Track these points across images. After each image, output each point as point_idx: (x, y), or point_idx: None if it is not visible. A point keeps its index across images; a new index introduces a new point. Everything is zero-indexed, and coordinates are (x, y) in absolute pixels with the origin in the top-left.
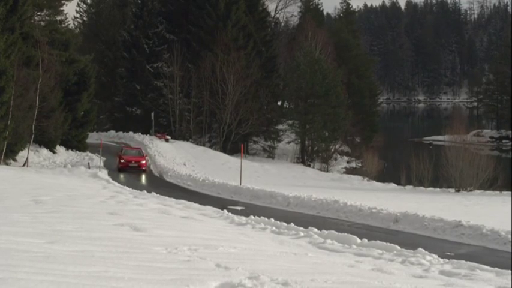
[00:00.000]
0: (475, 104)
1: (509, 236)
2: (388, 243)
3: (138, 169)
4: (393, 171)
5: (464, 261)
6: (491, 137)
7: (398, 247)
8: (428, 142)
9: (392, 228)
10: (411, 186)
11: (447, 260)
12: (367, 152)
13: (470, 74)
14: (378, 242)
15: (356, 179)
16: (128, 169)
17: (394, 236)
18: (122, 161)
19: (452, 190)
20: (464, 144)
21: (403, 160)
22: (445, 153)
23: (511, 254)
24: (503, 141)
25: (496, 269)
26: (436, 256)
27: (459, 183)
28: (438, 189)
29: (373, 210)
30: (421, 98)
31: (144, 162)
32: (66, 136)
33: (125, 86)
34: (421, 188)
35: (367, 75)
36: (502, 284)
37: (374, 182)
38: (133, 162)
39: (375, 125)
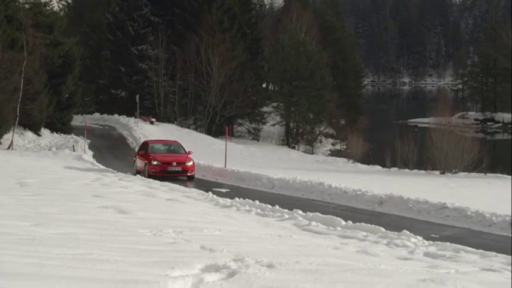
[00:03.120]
0: (460, 86)
1: (494, 218)
2: (373, 225)
3: (183, 175)
4: (378, 154)
5: (449, 243)
6: (476, 119)
7: (383, 229)
8: (413, 124)
9: (377, 210)
10: (396, 169)
11: (432, 242)
12: (352, 134)
13: (455, 56)
14: (363, 224)
15: (341, 161)
16: (167, 176)
17: (378, 218)
18: (155, 163)
19: (437, 172)
20: (449, 126)
21: (388, 142)
22: (430, 136)
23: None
24: (488, 123)
25: (481, 250)
26: (420, 238)
27: (444, 166)
28: (423, 172)
29: (358, 193)
30: (406, 80)
31: (190, 164)
32: (51, 119)
33: (110, 68)
34: (406, 170)
35: (352, 58)
36: (487, 266)
37: (359, 164)
38: (174, 164)
39: (359, 107)
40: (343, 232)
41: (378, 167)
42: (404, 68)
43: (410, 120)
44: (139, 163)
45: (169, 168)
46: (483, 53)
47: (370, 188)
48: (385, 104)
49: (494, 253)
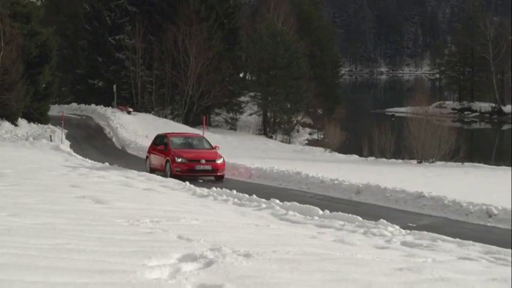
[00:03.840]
0: (437, 75)
1: (471, 207)
2: (350, 215)
3: (213, 175)
4: (355, 143)
5: (426, 232)
6: (453, 109)
7: (360, 218)
8: (390, 114)
9: (354, 199)
10: (373, 158)
11: (409, 231)
12: (329, 124)
13: (432, 45)
14: (340, 213)
15: (318, 150)
16: (195, 176)
17: (355, 207)
18: (180, 160)
19: (414, 162)
20: (426, 115)
21: (365, 132)
22: (407, 125)
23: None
24: (465, 112)
25: (458, 239)
26: (397, 227)
27: (421, 155)
28: (400, 161)
29: (335, 182)
30: (383, 69)
31: (221, 162)
32: (28, 109)
33: (87, 58)
34: (383, 159)
35: (329, 47)
36: (464, 255)
37: (336, 153)
38: (202, 162)
39: (337, 97)
40: (320, 221)
41: (355, 157)
42: (382, 57)
43: (387, 110)
44: (156, 160)
45: (197, 167)
46: (460, 43)
47: (347, 178)
48: (362, 93)
49: (471, 242)
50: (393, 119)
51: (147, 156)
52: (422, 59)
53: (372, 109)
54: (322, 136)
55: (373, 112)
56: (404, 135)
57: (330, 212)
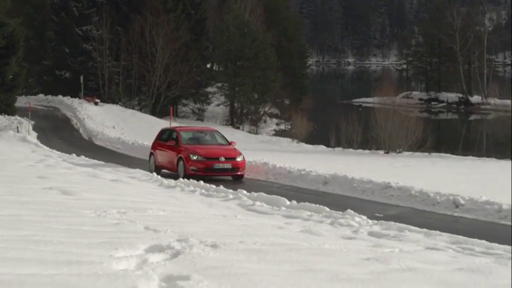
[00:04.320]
0: (405, 66)
1: (438, 197)
2: (318, 205)
3: (233, 174)
4: (322, 133)
5: (393, 223)
6: (421, 99)
7: (327, 209)
8: (357, 104)
9: (322, 190)
10: (340, 148)
11: (376, 221)
12: (297, 114)
13: (399, 36)
14: (307, 203)
15: (285, 141)
16: (213, 175)
17: (323, 198)
18: (195, 158)
19: (382, 152)
20: (394, 106)
21: (332, 122)
22: (374, 115)
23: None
24: (432, 103)
25: (425, 230)
26: (365, 217)
27: (388, 145)
28: (367, 151)
29: (302, 172)
30: (351, 60)
31: (241, 159)
32: None
33: (54, 49)
34: (350, 150)
35: (296, 38)
36: (431, 245)
37: (303, 144)
38: (221, 160)
39: (304, 88)
40: (287, 212)
41: (323, 147)
42: (349, 48)
43: (354, 100)
44: (164, 157)
45: (216, 165)
46: (427, 33)
47: (314, 168)
48: (329, 84)
49: (438, 232)
50: (360, 109)
51: (151, 153)
52: (389, 50)
53: (339, 100)
54: (289, 127)
55: (340, 103)
56: (371, 126)
57: (297, 202)
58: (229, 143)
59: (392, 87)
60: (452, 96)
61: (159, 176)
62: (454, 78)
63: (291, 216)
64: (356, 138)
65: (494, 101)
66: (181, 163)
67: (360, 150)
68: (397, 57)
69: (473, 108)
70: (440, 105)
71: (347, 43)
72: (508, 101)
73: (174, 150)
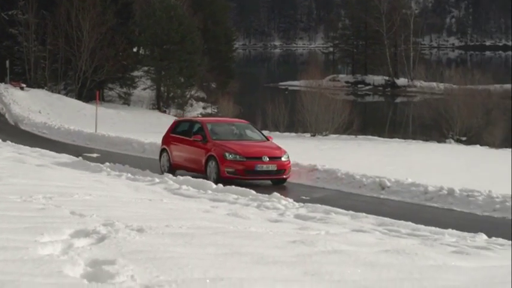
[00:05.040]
0: (331, 49)
1: (364, 180)
2: (244, 188)
3: (278, 178)
4: (249, 117)
5: (319, 205)
6: (347, 82)
7: (253, 192)
8: (284, 87)
9: None
10: (267, 131)
11: (302, 204)
12: (223, 98)
13: (326, 19)
14: (233, 187)
15: None
16: (254, 180)
17: (248, 181)
18: (231, 157)
19: (308, 135)
20: (320, 89)
21: (259, 105)
22: (301, 98)
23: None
24: (359, 85)
25: (351, 212)
26: (291, 200)
27: (314, 128)
28: (294, 134)
29: None
30: (277, 43)
31: (286, 159)
32: None
33: None
34: (277, 132)
35: (223, 21)
36: (357, 227)
37: None
38: (265, 160)
39: (230, 71)
40: (213, 195)
41: None
42: (276, 31)
43: (281, 84)
44: (184, 155)
45: (259, 167)
46: (354, 16)
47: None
48: (256, 67)
49: (364, 214)
50: (287, 92)
51: (164, 150)
52: (316, 33)
53: (265, 83)
54: (215, 110)
55: (266, 86)
56: (297, 109)
57: (224, 185)
58: (267, 139)
59: (319, 70)
60: (379, 79)
61: (86, 161)
62: (381, 61)
63: (217, 199)
64: (282, 121)
65: (420, 83)
66: (212, 164)
67: (287, 133)
68: (323, 41)
69: (400, 91)
70: (367, 88)
71: (273, 26)
72: (434, 83)
73: (201, 147)
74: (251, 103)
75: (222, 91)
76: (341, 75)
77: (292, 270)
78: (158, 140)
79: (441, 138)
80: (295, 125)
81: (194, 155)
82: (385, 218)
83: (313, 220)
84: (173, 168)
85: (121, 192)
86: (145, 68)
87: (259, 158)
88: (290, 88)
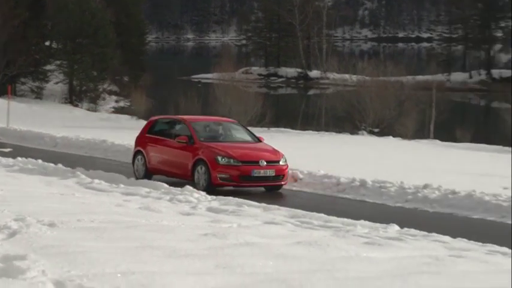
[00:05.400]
0: (244, 42)
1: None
2: (157, 182)
3: (275, 184)
4: (162, 110)
5: (232, 198)
6: (260, 75)
7: (166, 185)
8: (196, 80)
9: None
10: None
11: (215, 197)
12: (136, 91)
13: (239, 12)
14: (146, 180)
15: (124, 118)
16: (251, 186)
17: (161, 175)
18: (225, 161)
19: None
20: (233, 81)
21: (171, 98)
22: (214, 91)
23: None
24: (271, 78)
25: (264, 204)
26: (203, 193)
27: None
28: None
29: None
30: (190, 36)
31: (284, 163)
32: None
33: None
34: None
35: (136, 15)
36: (269, 219)
37: (143, 120)
38: (262, 164)
39: (143, 64)
40: (126, 189)
41: None
42: (189, 24)
43: (194, 76)
44: (164, 158)
45: (255, 172)
46: (267, 9)
47: None
48: (169, 60)
49: (276, 206)
50: (200, 85)
51: (139, 152)
52: (229, 26)
53: (178, 76)
54: (128, 104)
55: (179, 79)
56: (210, 102)
57: (136, 179)
58: (259, 140)
59: (232, 63)
60: (292, 71)
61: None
62: (294, 54)
63: (130, 193)
64: (195, 114)
65: (333, 75)
66: (201, 169)
67: None
68: (236, 33)
69: (313, 83)
70: (280, 80)
71: (187, 19)
72: (347, 75)
73: (187, 150)
74: (164, 96)
75: (134, 85)
76: (254, 68)
77: (204, 263)
78: (71, 134)
79: (354, 130)
80: None
81: (178, 159)
82: (298, 210)
83: (226, 213)
84: (150, 173)
85: (33, 187)
86: (58, 62)
87: (256, 163)
88: (203, 81)
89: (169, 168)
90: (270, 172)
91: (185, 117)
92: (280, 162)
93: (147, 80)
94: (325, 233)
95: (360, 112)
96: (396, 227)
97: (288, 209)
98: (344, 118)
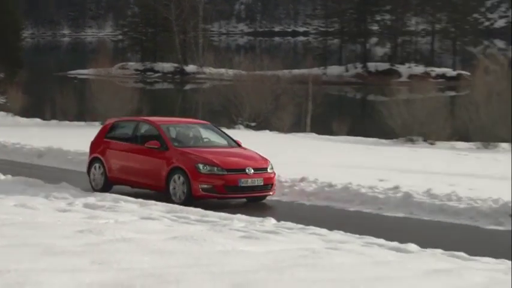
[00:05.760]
0: (120, 37)
1: None
2: (33, 179)
3: (263, 194)
4: (38, 106)
5: (108, 194)
6: (136, 70)
7: (41, 182)
8: (72, 76)
9: (37, 163)
10: (56, 121)
11: (91, 193)
12: (12, 88)
13: (115, 7)
14: (22, 177)
15: (0, 115)
16: (238, 197)
17: (38, 171)
18: (207, 169)
19: (97, 123)
20: (109, 77)
21: (47, 95)
22: (90, 87)
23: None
24: (148, 73)
25: (140, 200)
26: (80, 189)
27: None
28: (83, 123)
29: (17, 146)
30: (66, 32)
31: (271, 171)
32: None
33: None
34: (66, 122)
35: (11, 10)
36: (146, 215)
37: (18, 117)
38: (249, 172)
39: (19, 60)
40: (1, 186)
41: (38, 120)
42: (65, 20)
43: (70, 72)
44: (127, 165)
45: (242, 181)
46: (143, 4)
47: (29, 141)
48: (45, 56)
49: (153, 202)
50: (76, 81)
51: (96, 159)
52: (105, 21)
53: (54, 72)
54: (4, 100)
55: (55, 75)
56: (87, 97)
57: (13, 176)
58: (238, 144)
59: (108, 59)
60: (168, 66)
61: None
62: (170, 48)
63: (4, 191)
64: (72, 110)
65: (209, 70)
66: (178, 179)
67: (76, 122)
68: (112, 29)
69: (189, 78)
70: (156, 75)
71: (63, 15)
72: (223, 70)
73: (159, 157)
74: (40, 92)
75: (10, 81)
76: (130, 63)
77: (80, 259)
78: None
79: (230, 124)
80: (84, 113)
81: (148, 167)
82: (175, 205)
83: (102, 209)
84: (111, 183)
85: None
86: None
87: (243, 171)
88: (79, 77)
89: (137, 178)
90: (258, 181)
91: (152, 118)
92: (268, 170)
93: (23, 76)
94: (202, 228)
95: (237, 106)
96: (273, 221)
97: (164, 204)
98: (221, 112)
